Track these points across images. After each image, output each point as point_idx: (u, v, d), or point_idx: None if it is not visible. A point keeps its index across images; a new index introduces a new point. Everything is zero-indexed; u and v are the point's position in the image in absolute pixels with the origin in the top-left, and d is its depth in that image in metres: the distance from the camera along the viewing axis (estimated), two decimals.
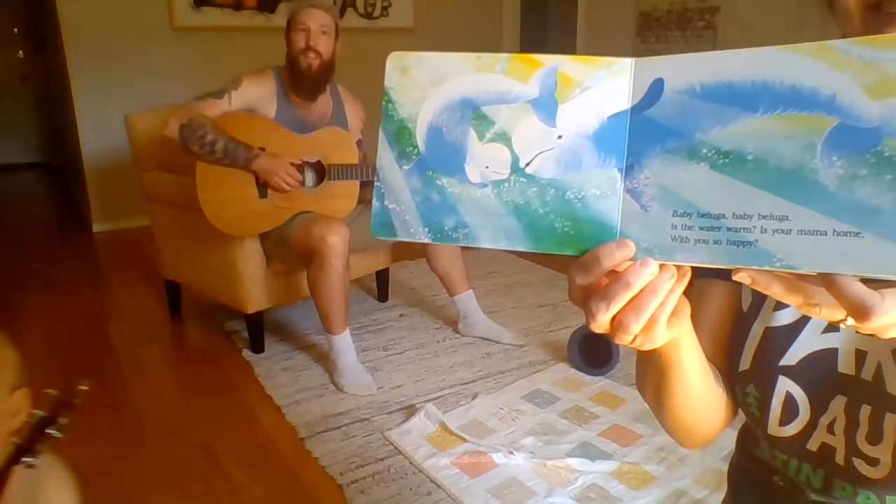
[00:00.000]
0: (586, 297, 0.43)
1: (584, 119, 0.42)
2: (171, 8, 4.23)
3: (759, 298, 0.68)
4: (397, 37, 4.96)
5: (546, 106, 0.43)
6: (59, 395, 0.90)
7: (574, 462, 1.81)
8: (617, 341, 0.44)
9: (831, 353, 0.63)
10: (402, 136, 0.45)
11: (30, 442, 0.86)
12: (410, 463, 1.84)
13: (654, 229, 0.41)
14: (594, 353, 2.32)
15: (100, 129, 4.18)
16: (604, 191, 0.42)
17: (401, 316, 2.88)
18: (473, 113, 0.44)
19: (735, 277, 0.41)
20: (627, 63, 0.42)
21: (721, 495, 0.84)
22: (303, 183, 2.36)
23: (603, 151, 0.42)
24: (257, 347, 2.52)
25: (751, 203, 0.38)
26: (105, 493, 1.77)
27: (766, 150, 0.38)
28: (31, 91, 6.96)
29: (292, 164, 2.24)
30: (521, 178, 0.43)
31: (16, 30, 6.77)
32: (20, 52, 6.84)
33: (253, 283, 2.41)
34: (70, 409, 0.90)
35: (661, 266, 0.41)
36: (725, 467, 0.84)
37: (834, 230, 0.36)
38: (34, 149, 7.19)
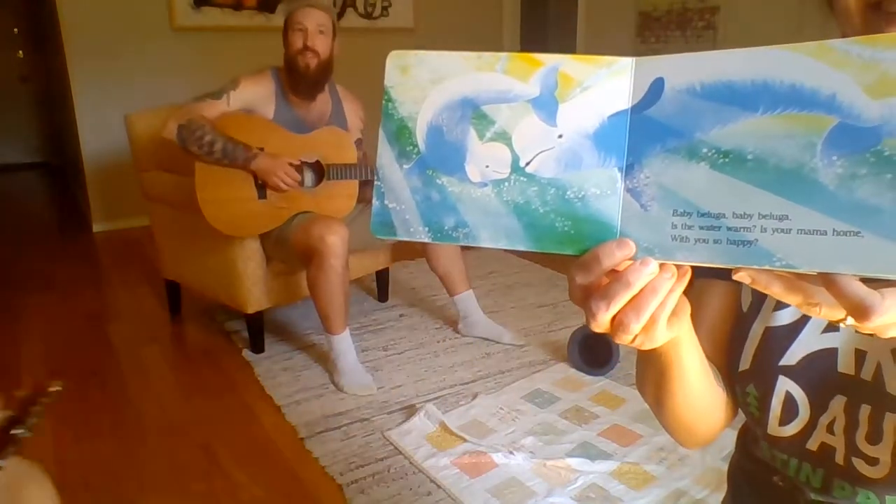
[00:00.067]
0: (586, 297, 0.43)
1: (585, 118, 0.42)
2: (171, 8, 4.23)
3: (759, 298, 0.68)
4: (397, 37, 4.96)
5: (546, 105, 0.43)
6: (27, 394, 0.89)
7: (574, 462, 1.81)
8: (617, 341, 0.44)
9: (831, 353, 0.63)
10: (402, 135, 0.45)
11: None
12: (410, 463, 1.84)
13: (654, 229, 0.41)
14: (594, 353, 2.32)
15: (100, 129, 4.18)
16: (604, 190, 0.42)
17: (401, 316, 2.88)
18: (474, 112, 0.44)
19: (735, 277, 0.41)
20: (628, 62, 0.42)
21: (721, 495, 0.84)
22: (302, 183, 2.36)
23: (603, 151, 0.42)
24: (257, 347, 2.52)
25: (751, 202, 0.38)
26: (105, 493, 1.77)
27: (766, 149, 0.38)
28: (31, 91, 6.96)
29: (291, 164, 2.24)
30: (522, 178, 0.43)
31: (16, 30, 6.77)
32: (20, 52, 6.85)
33: (253, 283, 2.41)
34: (41, 409, 0.89)
35: (662, 265, 0.41)
36: (725, 467, 0.84)
37: (834, 230, 0.36)
38: (34, 149, 7.19)
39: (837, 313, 0.40)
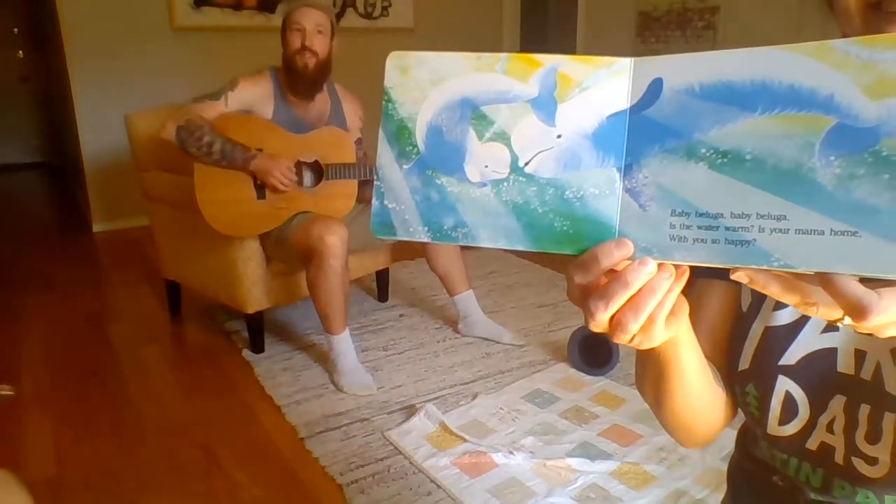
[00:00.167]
0: (585, 297, 0.43)
1: (584, 118, 0.42)
2: (171, 8, 4.23)
3: (759, 298, 0.68)
4: (397, 37, 4.96)
5: (545, 105, 0.43)
6: None
7: (574, 462, 1.81)
8: (615, 340, 0.44)
9: (831, 353, 0.63)
10: (401, 135, 0.45)
11: None
12: (410, 463, 1.84)
13: (652, 229, 0.41)
14: (594, 353, 2.32)
15: (100, 129, 4.18)
16: (602, 190, 0.42)
17: (401, 316, 2.88)
18: (473, 112, 0.44)
19: (733, 277, 0.41)
20: (626, 63, 0.42)
21: (721, 495, 0.84)
22: (301, 183, 2.36)
23: (602, 151, 0.42)
24: (257, 347, 2.52)
25: (749, 202, 0.38)
26: (105, 493, 1.77)
27: (764, 149, 0.38)
28: (31, 91, 6.96)
29: (288, 165, 2.23)
30: (521, 178, 0.43)
31: (16, 30, 6.77)
32: (20, 52, 6.85)
33: (253, 283, 2.41)
34: None
35: (660, 265, 0.42)
36: (725, 467, 0.84)
37: (831, 229, 0.36)
38: (34, 149, 7.19)
39: (835, 313, 0.40)
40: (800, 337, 0.65)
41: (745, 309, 0.70)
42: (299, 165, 2.35)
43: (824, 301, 0.39)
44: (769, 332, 0.67)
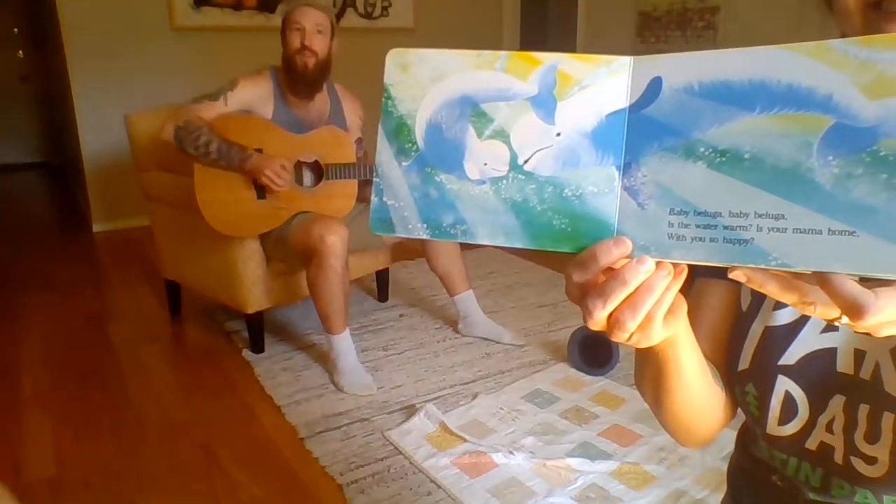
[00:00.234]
0: (583, 295, 0.43)
1: (583, 117, 0.42)
2: (171, 8, 4.23)
3: (759, 298, 0.68)
4: (397, 37, 4.96)
5: (545, 103, 0.43)
6: None
7: (574, 462, 1.81)
8: (613, 338, 0.44)
9: (830, 353, 0.63)
10: (401, 132, 0.45)
11: None
12: (410, 463, 1.84)
13: (650, 227, 0.41)
14: (594, 353, 2.32)
15: (100, 129, 4.18)
16: (601, 188, 0.42)
17: (401, 316, 2.88)
18: (472, 110, 0.44)
19: (731, 275, 0.41)
20: (626, 61, 0.42)
21: (721, 495, 0.84)
22: (301, 183, 2.36)
23: (601, 149, 0.42)
24: (257, 347, 2.52)
25: (747, 201, 0.39)
26: (105, 492, 1.77)
27: (762, 148, 0.38)
28: (31, 91, 6.96)
29: (283, 165, 2.22)
30: (520, 175, 0.43)
31: (16, 30, 6.77)
32: (20, 52, 6.85)
33: (253, 283, 2.41)
34: None
35: (658, 264, 0.42)
36: (725, 467, 0.84)
37: (829, 229, 0.36)
38: (34, 149, 7.19)
39: (832, 312, 0.40)
40: (799, 337, 0.65)
41: (744, 309, 0.70)
42: (299, 165, 2.35)
43: (822, 300, 0.40)
44: (769, 331, 0.67)
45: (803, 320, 0.65)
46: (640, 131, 0.41)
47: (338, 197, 2.39)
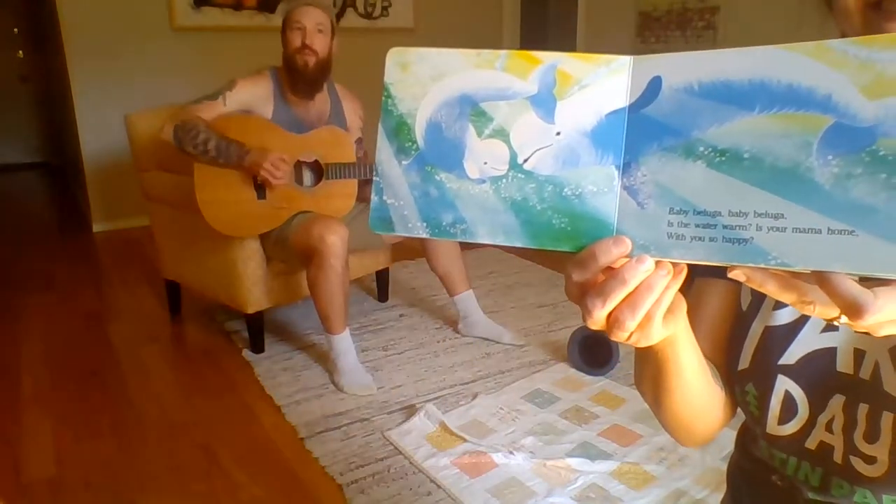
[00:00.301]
0: (583, 294, 0.43)
1: (583, 116, 0.42)
2: (171, 8, 4.23)
3: (759, 297, 0.68)
4: (397, 37, 4.96)
5: (545, 103, 0.43)
6: None
7: (574, 462, 1.81)
8: (613, 338, 0.44)
9: (830, 353, 0.63)
10: (401, 131, 0.45)
11: None
12: (410, 463, 1.84)
13: (650, 226, 0.41)
14: (594, 353, 2.32)
15: (100, 129, 4.18)
16: (601, 188, 0.42)
17: (401, 316, 2.88)
18: (472, 109, 0.44)
19: (730, 275, 0.41)
20: (626, 60, 0.42)
21: (721, 495, 0.84)
22: (301, 182, 2.37)
23: (601, 148, 0.42)
24: (257, 347, 2.52)
25: (747, 201, 0.39)
26: (105, 492, 1.77)
27: (762, 148, 0.38)
28: (31, 91, 6.96)
29: (282, 158, 2.21)
30: (519, 175, 0.43)
31: (16, 30, 6.78)
32: (20, 52, 6.85)
33: (253, 283, 2.41)
34: None
35: (657, 263, 0.42)
36: (725, 467, 0.84)
37: (828, 228, 0.36)
38: (34, 149, 7.19)
39: (831, 311, 0.40)
40: (799, 336, 0.65)
41: (744, 308, 0.70)
42: (299, 165, 2.35)
43: (821, 300, 0.40)
44: (769, 331, 0.67)
45: (803, 320, 0.65)
46: (639, 131, 0.41)
47: (338, 197, 2.39)
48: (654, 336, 0.45)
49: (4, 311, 3.02)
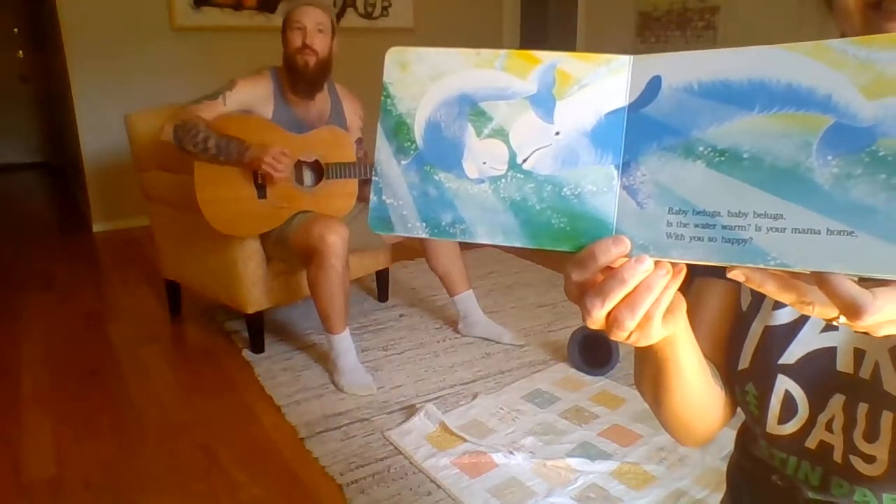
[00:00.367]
0: (582, 293, 0.43)
1: (582, 116, 0.42)
2: (171, 8, 4.23)
3: (759, 297, 0.68)
4: (397, 37, 4.96)
5: (544, 102, 0.43)
6: None
7: (574, 462, 1.81)
8: (612, 337, 0.44)
9: (830, 352, 0.63)
10: (400, 131, 0.45)
11: None
12: (410, 463, 1.84)
13: (649, 226, 0.41)
14: (594, 353, 2.32)
15: (100, 129, 4.18)
16: (600, 187, 0.42)
17: (401, 316, 2.88)
18: (471, 109, 0.44)
19: (729, 275, 0.41)
20: (625, 60, 0.42)
21: (721, 495, 0.84)
22: (301, 182, 2.37)
23: (600, 148, 0.42)
24: (257, 347, 2.52)
25: (746, 201, 0.38)
26: (105, 492, 1.77)
27: (762, 148, 0.38)
28: (31, 91, 6.96)
29: (283, 151, 2.21)
30: (519, 174, 0.43)
31: (16, 30, 6.78)
32: (20, 52, 6.85)
33: (253, 283, 2.41)
34: None
35: (657, 263, 0.42)
36: (725, 467, 0.84)
37: (828, 229, 0.36)
38: (34, 149, 7.19)
39: (830, 312, 0.40)
40: (799, 336, 0.65)
41: (744, 308, 0.70)
42: (300, 165, 2.35)
43: (820, 300, 0.40)
44: (769, 331, 0.67)
45: (803, 320, 0.65)
46: (639, 130, 0.41)
47: (338, 196, 2.39)
48: (654, 336, 0.45)
49: (4, 311, 3.02)
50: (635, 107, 0.41)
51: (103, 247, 4.14)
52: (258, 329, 2.51)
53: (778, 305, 0.66)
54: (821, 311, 0.40)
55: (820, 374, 0.64)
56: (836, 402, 0.63)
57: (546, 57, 0.43)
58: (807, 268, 0.37)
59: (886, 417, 0.59)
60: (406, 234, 0.46)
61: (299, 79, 2.35)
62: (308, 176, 2.40)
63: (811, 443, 0.65)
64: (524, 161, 0.43)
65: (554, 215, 0.43)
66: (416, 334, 2.69)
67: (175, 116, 2.22)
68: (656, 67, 0.41)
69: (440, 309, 2.91)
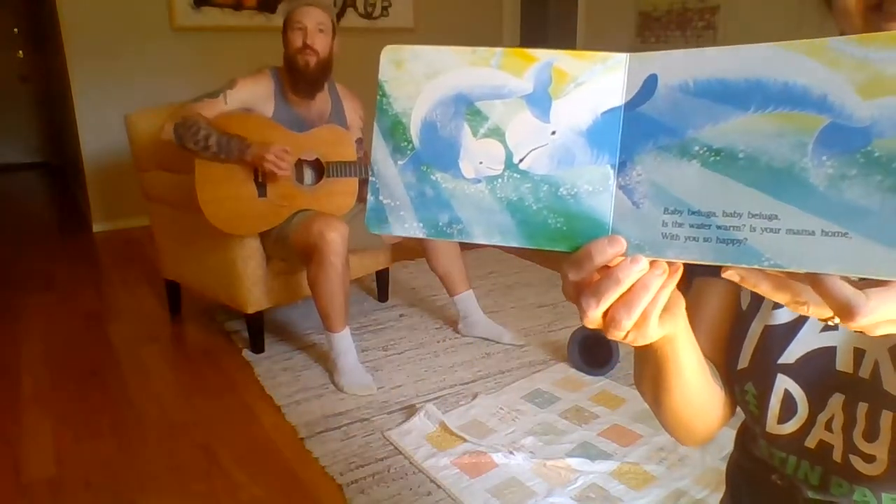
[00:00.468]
0: (578, 293, 0.43)
1: (578, 115, 0.42)
2: (171, 8, 4.23)
3: (758, 297, 0.68)
4: (397, 37, 4.96)
5: (540, 101, 0.42)
6: None
7: (574, 462, 1.81)
8: (610, 336, 0.44)
9: (829, 352, 0.63)
10: (396, 130, 0.45)
11: None
12: (410, 463, 1.84)
13: (645, 226, 0.41)
14: (594, 353, 2.32)
15: (100, 129, 4.18)
16: (596, 187, 0.42)
17: (401, 316, 2.88)
18: (468, 108, 0.44)
19: (724, 275, 0.41)
20: (622, 58, 0.42)
21: (721, 495, 0.84)
22: (301, 181, 2.37)
23: (596, 147, 0.42)
24: (257, 347, 2.52)
25: (741, 201, 0.38)
26: (105, 492, 1.77)
27: (757, 148, 0.38)
28: (31, 91, 6.97)
29: (286, 149, 2.20)
30: (515, 174, 0.43)
31: (16, 30, 6.78)
32: (20, 52, 6.85)
33: (253, 283, 2.41)
34: None
35: (653, 262, 0.41)
36: (725, 467, 0.84)
37: (822, 230, 0.36)
38: (34, 149, 7.19)
39: (825, 312, 0.40)
40: (799, 335, 0.65)
41: (744, 307, 0.70)
42: (300, 164, 2.35)
43: (815, 300, 0.40)
44: (768, 330, 0.67)
45: (803, 319, 0.65)
46: (635, 129, 0.41)
47: (338, 194, 2.39)
48: (651, 335, 0.45)
49: (4, 311, 3.02)
50: (631, 105, 0.41)
51: (103, 247, 4.14)
52: (258, 329, 2.51)
53: (778, 305, 0.66)
54: (815, 311, 0.40)
55: (819, 373, 0.64)
56: (836, 401, 0.63)
57: (542, 55, 0.43)
58: (801, 269, 0.37)
59: (886, 417, 0.59)
60: (403, 235, 0.45)
61: (300, 79, 2.35)
62: (308, 174, 2.40)
63: (811, 442, 0.65)
64: (521, 161, 0.43)
65: (550, 215, 0.43)
66: (416, 334, 2.69)
67: (176, 115, 2.23)
68: (652, 65, 0.41)
69: (440, 309, 2.91)
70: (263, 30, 4.40)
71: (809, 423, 0.65)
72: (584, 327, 2.31)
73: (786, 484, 0.70)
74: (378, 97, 0.45)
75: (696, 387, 0.61)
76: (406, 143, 0.45)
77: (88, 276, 3.58)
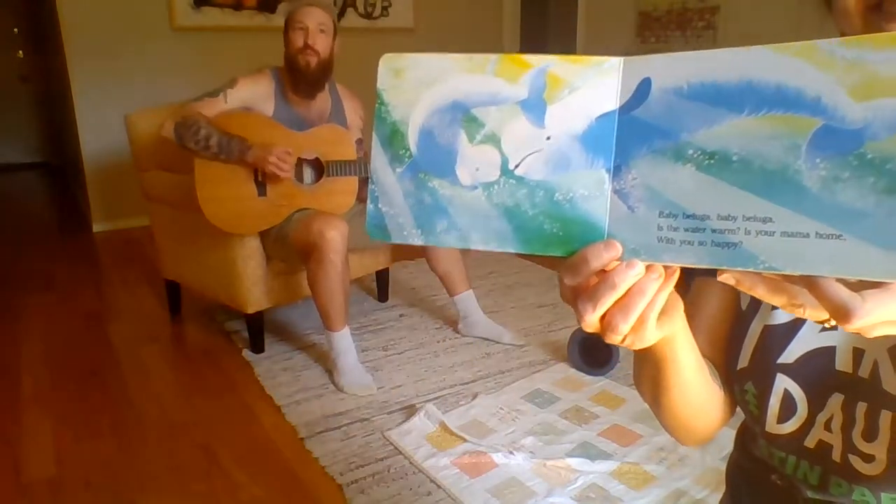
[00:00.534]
0: (575, 298, 0.44)
1: (573, 119, 0.42)
2: (171, 8, 4.23)
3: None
4: (397, 37, 4.96)
5: (535, 107, 0.43)
6: None
7: (574, 462, 1.81)
8: (607, 340, 0.45)
9: (829, 351, 0.63)
10: (395, 138, 0.45)
11: None
12: (410, 463, 1.84)
13: (641, 230, 0.41)
14: (594, 353, 2.32)
15: (100, 129, 4.18)
16: (592, 192, 0.42)
17: (401, 316, 2.88)
18: (464, 115, 0.44)
19: (720, 278, 0.41)
20: (616, 62, 0.42)
21: (721, 495, 0.84)
22: (301, 180, 2.37)
23: (591, 152, 0.42)
24: (257, 347, 2.52)
25: (735, 204, 0.38)
26: (105, 492, 1.77)
27: (751, 151, 0.38)
28: (31, 91, 6.97)
29: (287, 150, 2.21)
30: (511, 180, 0.43)
31: (16, 30, 6.78)
32: (20, 52, 6.85)
33: (253, 283, 2.41)
34: None
35: (649, 266, 0.42)
36: (725, 467, 0.84)
37: (816, 232, 0.36)
38: (34, 149, 7.20)
39: (821, 314, 0.40)
40: (798, 335, 0.65)
41: (744, 308, 0.70)
42: (300, 163, 2.35)
43: (811, 302, 0.40)
44: (768, 330, 0.67)
45: (802, 319, 0.65)
46: (629, 133, 0.41)
47: (338, 193, 2.39)
48: (649, 338, 0.45)
49: (4, 311, 3.02)
50: (626, 109, 0.41)
51: (103, 247, 4.14)
52: (258, 329, 2.51)
53: None
54: (812, 313, 0.40)
55: (819, 373, 0.64)
56: (835, 401, 0.63)
57: (537, 61, 0.43)
58: (796, 271, 0.37)
59: (885, 417, 0.59)
60: (403, 242, 0.46)
61: (301, 79, 2.36)
62: (308, 173, 2.40)
63: (810, 442, 0.65)
64: (516, 167, 0.43)
65: (546, 221, 0.43)
66: (416, 334, 2.69)
67: (176, 113, 2.23)
68: (646, 69, 0.41)
69: (440, 309, 2.91)
70: (263, 30, 4.40)
71: (809, 422, 0.65)
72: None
73: (785, 484, 0.70)
74: (377, 105, 0.46)
75: (695, 387, 0.61)
76: (404, 151, 0.45)
77: (88, 276, 3.58)
